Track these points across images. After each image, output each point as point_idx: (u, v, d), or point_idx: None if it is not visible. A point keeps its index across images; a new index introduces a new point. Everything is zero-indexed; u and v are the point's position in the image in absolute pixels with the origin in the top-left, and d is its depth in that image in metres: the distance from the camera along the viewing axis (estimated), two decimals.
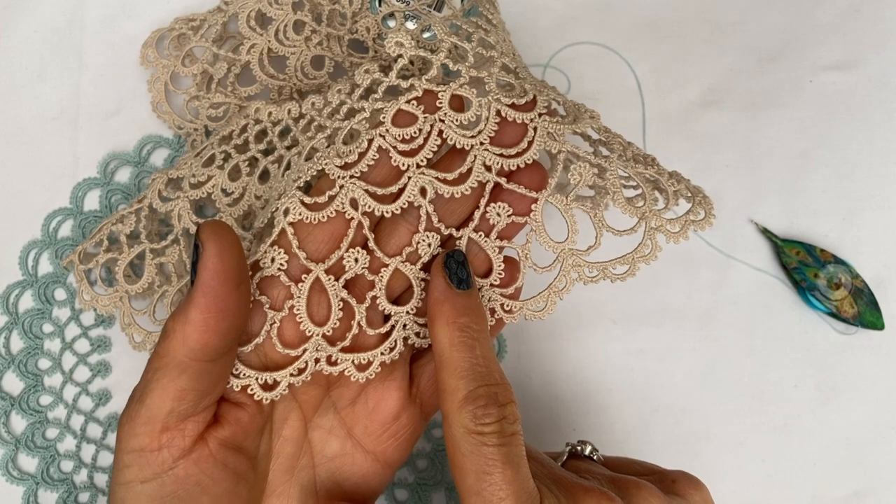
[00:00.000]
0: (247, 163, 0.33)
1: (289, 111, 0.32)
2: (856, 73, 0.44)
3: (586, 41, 0.43)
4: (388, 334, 0.29)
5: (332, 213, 0.27)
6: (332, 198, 0.27)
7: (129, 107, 0.40)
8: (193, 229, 0.32)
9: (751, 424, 0.41)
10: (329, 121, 0.30)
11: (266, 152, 0.33)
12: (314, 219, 0.27)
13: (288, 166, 0.31)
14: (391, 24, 0.38)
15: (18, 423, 0.38)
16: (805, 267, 0.41)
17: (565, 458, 0.30)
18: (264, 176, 0.33)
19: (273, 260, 0.27)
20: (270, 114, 0.33)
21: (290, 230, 0.27)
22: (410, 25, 0.38)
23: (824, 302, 0.41)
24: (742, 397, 0.41)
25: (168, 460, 0.24)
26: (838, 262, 0.42)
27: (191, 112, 0.39)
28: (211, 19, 0.38)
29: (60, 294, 0.39)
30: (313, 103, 0.31)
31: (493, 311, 0.29)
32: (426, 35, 0.38)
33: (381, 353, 0.28)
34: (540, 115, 0.27)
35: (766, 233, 0.42)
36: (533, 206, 0.28)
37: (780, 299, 0.42)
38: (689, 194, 0.28)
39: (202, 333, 0.24)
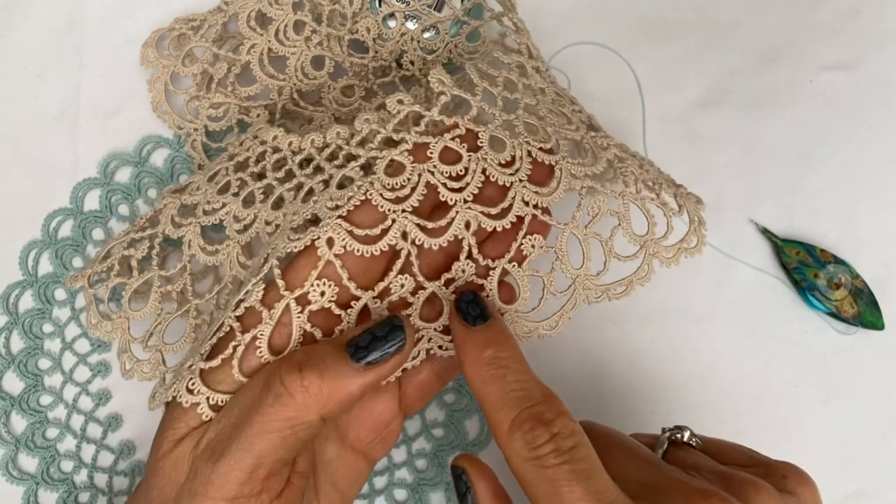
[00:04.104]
0: (262, 190, 0.33)
1: (312, 141, 0.32)
2: (856, 73, 0.44)
3: (586, 41, 0.43)
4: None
5: (384, 246, 0.28)
6: (384, 231, 0.28)
7: (129, 107, 0.40)
8: (200, 256, 0.32)
9: (751, 424, 0.41)
10: (361, 150, 0.30)
11: (283, 180, 0.33)
12: (366, 252, 0.28)
13: (309, 192, 0.31)
14: (391, 24, 0.38)
15: (18, 423, 0.38)
16: (805, 267, 0.41)
17: (665, 447, 0.30)
18: (278, 202, 0.33)
19: (323, 294, 0.28)
20: (291, 143, 0.33)
21: (337, 262, 0.28)
22: (411, 25, 0.38)
23: (824, 302, 0.41)
24: (742, 397, 0.41)
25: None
26: (838, 262, 0.41)
27: (191, 112, 0.39)
28: (211, 19, 0.39)
29: (60, 294, 0.39)
30: (338, 133, 0.32)
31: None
32: (427, 35, 0.38)
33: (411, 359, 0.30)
34: (563, 157, 0.29)
35: (766, 233, 0.42)
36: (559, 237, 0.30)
37: (780, 299, 0.42)
38: (689, 217, 0.31)
39: None
